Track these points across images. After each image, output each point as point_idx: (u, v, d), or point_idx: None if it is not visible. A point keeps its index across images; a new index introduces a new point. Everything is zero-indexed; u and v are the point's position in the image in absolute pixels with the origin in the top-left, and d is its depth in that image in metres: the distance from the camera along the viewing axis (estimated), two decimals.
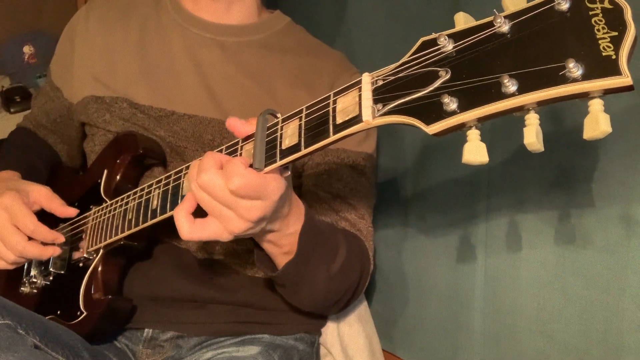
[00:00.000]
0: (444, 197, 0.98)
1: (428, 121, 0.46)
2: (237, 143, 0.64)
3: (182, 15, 0.94)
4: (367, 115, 0.51)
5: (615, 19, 0.40)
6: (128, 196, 0.80)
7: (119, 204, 0.81)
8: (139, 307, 0.86)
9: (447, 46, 0.47)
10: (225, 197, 0.59)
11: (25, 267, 0.92)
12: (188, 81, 0.90)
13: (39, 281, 0.90)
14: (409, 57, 0.50)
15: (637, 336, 0.73)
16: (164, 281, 0.87)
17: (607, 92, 0.40)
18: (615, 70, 0.39)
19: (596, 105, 0.41)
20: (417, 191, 1.03)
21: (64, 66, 0.98)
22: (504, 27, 0.44)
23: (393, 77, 0.50)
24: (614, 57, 0.39)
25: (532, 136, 0.43)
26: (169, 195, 0.71)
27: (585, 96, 0.41)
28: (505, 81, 0.42)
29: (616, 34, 0.39)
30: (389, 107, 0.49)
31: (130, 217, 0.77)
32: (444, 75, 0.46)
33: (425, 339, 1.03)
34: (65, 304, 0.85)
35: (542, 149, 0.44)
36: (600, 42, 0.40)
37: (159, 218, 0.73)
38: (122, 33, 0.94)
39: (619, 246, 0.74)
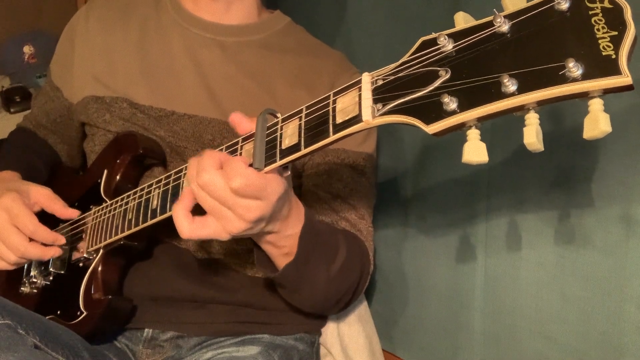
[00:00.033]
0: (444, 197, 0.98)
1: (428, 121, 0.46)
2: (236, 143, 0.64)
3: (182, 15, 0.94)
4: (366, 115, 0.51)
5: (615, 19, 0.40)
6: (128, 196, 0.80)
7: (118, 203, 0.81)
8: (139, 307, 0.86)
9: (447, 46, 0.47)
10: (224, 197, 0.59)
11: (25, 267, 0.92)
12: (188, 81, 0.90)
13: (39, 281, 0.90)
14: (409, 56, 0.50)
15: (636, 337, 0.73)
16: (164, 281, 0.87)
17: (607, 92, 0.40)
18: (615, 70, 0.39)
19: (596, 105, 0.41)
20: (417, 191, 1.03)
21: (64, 66, 0.98)
22: (504, 26, 0.44)
23: (393, 77, 0.50)
24: (613, 56, 0.39)
25: (532, 136, 0.43)
26: (169, 195, 0.71)
27: (585, 96, 0.41)
28: (505, 81, 0.42)
29: (616, 33, 0.39)
30: (388, 106, 0.49)
31: (130, 217, 0.77)
32: (444, 75, 0.46)
33: (425, 339, 1.03)
34: (65, 304, 0.85)
35: (542, 149, 0.44)
36: (600, 41, 0.40)
37: (159, 218, 0.73)
38: (122, 33, 0.94)
39: (618, 246, 0.73)
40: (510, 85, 0.42)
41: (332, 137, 0.54)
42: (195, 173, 0.61)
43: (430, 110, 0.46)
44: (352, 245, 0.82)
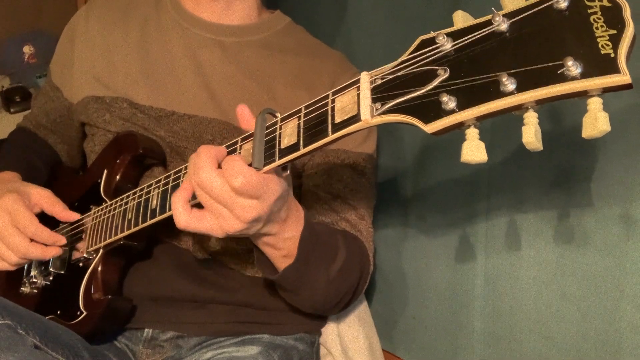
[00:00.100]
0: (444, 197, 0.98)
1: (427, 120, 0.46)
2: (236, 142, 0.64)
3: (183, 15, 0.94)
4: (365, 114, 0.51)
5: (614, 17, 0.39)
6: (128, 196, 0.80)
7: (118, 203, 0.81)
8: (139, 307, 0.86)
9: (446, 45, 0.47)
10: (222, 196, 0.59)
11: (26, 267, 0.92)
12: (188, 81, 0.90)
13: (39, 281, 0.90)
14: (408, 56, 0.50)
15: (635, 337, 0.73)
16: (164, 281, 0.87)
17: (605, 91, 0.40)
18: (613, 69, 0.39)
19: (595, 104, 0.41)
20: (417, 191, 1.03)
21: (64, 66, 0.98)
22: (503, 25, 0.44)
23: (391, 76, 0.50)
24: (612, 55, 0.39)
25: (531, 135, 0.43)
26: (169, 195, 0.71)
27: (584, 94, 0.41)
28: (504, 79, 0.42)
29: (615, 32, 0.39)
30: (387, 106, 0.49)
31: (129, 216, 0.77)
32: (443, 74, 0.46)
33: (425, 339, 1.03)
34: (65, 304, 0.85)
35: (541, 148, 0.44)
36: (598, 40, 0.40)
37: (158, 218, 0.73)
38: (122, 33, 0.94)
39: (618, 246, 0.73)
40: (509, 84, 0.42)
41: (331, 137, 0.54)
42: (192, 171, 0.61)
43: (429, 109, 0.46)
44: (351, 246, 0.82)
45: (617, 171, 0.72)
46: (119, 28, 0.95)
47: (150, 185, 0.76)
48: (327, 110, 0.55)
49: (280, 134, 0.59)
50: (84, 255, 0.84)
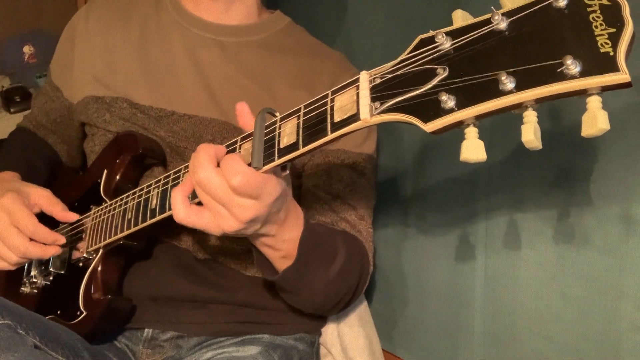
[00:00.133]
0: (443, 196, 0.98)
1: (426, 119, 0.46)
2: (235, 142, 0.64)
3: (183, 15, 0.94)
4: (364, 113, 0.51)
5: (613, 16, 0.39)
6: (127, 196, 0.80)
7: (118, 203, 0.81)
8: (139, 307, 0.86)
9: (445, 44, 0.47)
10: (220, 195, 0.59)
11: (26, 267, 0.92)
12: (188, 81, 0.90)
13: (39, 281, 0.90)
14: (407, 55, 0.50)
15: (635, 337, 0.73)
16: (164, 281, 0.87)
17: (605, 89, 0.40)
18: (613, 67, 0.39)
19: (594, 103, 0.41)
20: (416, 191, 1.03)
21: (64, 66, 0.98)
22: (502, 24, 0.44)
23: (391, 75, 0.50)
24: (611, 53, 0.39)
25: (530, 134, 0.43)
26: (168, 194, 0.71)
27: (584, 93, 0.41)
28: (503, 78, 0.42)
29: (614, 30, 0.39)
30: (386, 105, 0.49)
31: (129, 216, 0.77)
32: (442, 73, 0.46)
33: (425, 339, 1.03)
34: (65, 304, 0.85)
35: (541, 147, 0.44)
36: (598, 38, 0.40)
37: (158, 217, 0.73)
38: (123, 33, 0.94)
39: (618, 246, 0.73)
40: (508, 82, 0.42)
41: (330, 136, 0.54)
42: (191, 168, 0.61)
43: (428, 108, 0.46)
44: (351, 247, 0.82)
45: (617, 171, 0.72)
46: (119, 28, 0.95)
47: (150, 185, 0.76)
48: (326, 109, 0.55)
49: (279, 133, 0.59)
50: (84, 255, 0.84)
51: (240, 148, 0.63)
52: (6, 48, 1.64)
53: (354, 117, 0.51)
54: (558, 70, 0.40)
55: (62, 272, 0.88)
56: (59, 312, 0.85)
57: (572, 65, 0.40)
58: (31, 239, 0.83)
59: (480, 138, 0.46)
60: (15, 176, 0.94)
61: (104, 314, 0.80)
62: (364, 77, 0.52)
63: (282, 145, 0.58)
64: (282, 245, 0.70)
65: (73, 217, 0.87)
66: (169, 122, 0.88)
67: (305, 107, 0.58)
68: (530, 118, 0.43)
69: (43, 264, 0.90)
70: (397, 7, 1.04)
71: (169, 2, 0.95)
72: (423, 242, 1.02)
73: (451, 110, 0.45)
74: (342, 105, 0.53)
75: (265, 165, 0.58)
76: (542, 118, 0.44)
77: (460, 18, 0.47)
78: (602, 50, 0.39)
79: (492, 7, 0.45)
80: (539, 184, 0.82)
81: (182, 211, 0.62)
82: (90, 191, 0.90)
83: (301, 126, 0.57)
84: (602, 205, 0.74)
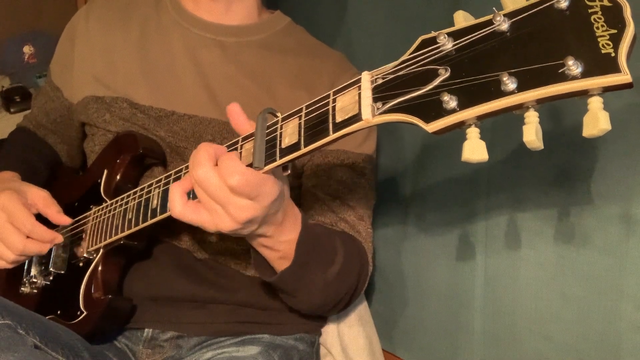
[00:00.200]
0: (443, 196, 0.98)
1: (428, 119, 0.46)
2: (236, 142, 0.64)
3: (183, 15, 0.94)
4: (366, 113, 0.51)
5: (614, 17, 0.40)
6: (128, 196, 0.80)
7: (119, 203, 0.81)
8: (139, 307, 0.86)
9: (447, 44, 0.47)
10: (217, 194, 0.59)
11: (26, 266, 0.92)
12: (188, 81, 0.90)
13: (39, 281, 0.90)
14: (409, 55, 0.50)
15: (635, 337, 0.73)
16: (164, 281, 0.87)
17: (606, 90, 0.40)
18: (614, 68, 0.39)
19: (595, 103, 0.41)
20: (416, 191, 1.03)
21: (64, 66, 0.98)
22: (504, 25, 0.44)
23: (393, 76, 0.50)
24: (613, 54, 0.39)
25: (532, 134, 0.43)
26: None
27: (585, 94, 0.41)
28: (505, 79, 0.42)
29: (615, 31, 0.39)
30: (388, 105, 0.49)
31: (130, 216, 0.77)
32: (444, 74, 0.46)
33: (425, 339, 1.03)
34: (65, 304, 0.85)
35: (542, 147, 0.44)
36: (599, 39, 0.40)
37: (159, 217, 0.73)
38: (123, 33, 0.94)
39: (618, 246, 0.73)
40: (510, 83, 0.42)
41: (332, 136, 0.54)
42: (191, 166, 0.61)
43: (430, 108, 0.46)
44: (349, 248, 0.82)
45: (617, 171, 0.73)
46: (119, 28, 0.95)
47: (151, 184, 0.76)
48: (328, 109, 0.55)
49: (281, 133, 0.59)
50: (84, 255, 0.84)
51: (241, 148, 0.63)
52: (6, 48, 1.64)
53: (356, 118, 0.51)
54: (560, 71, 0.40)
55: (62, 272, 0.88)
56: (59, 312, 0.85)
57: (573, 66, 0.40)
58: (29, 238, 0.83)
59: (481, 138, 0.46)
60: (15, 176, 0.94)
61: (104, 314, 0.80)
62: (366, 78, 0.52)
63: (283, 146, 0.58)
64: (280, 246, 0.70)
65: (66, 220, 0.87)
66: (169, 122, 0.88)
67: (307, 107, 0.58)
68: (532, 119, 0.43)
69: (43, 263, 0.90)
70: (397, 7, 1.04)
71: (169, 2, 0.95)
72: (423, 242, 1.02)
73: (453, 111, 0.45)
74: (343, 106, 0.53)
75: (266, 165, 0.58)
76: (542, 118, 0.44)
77: (462, 19, 0.47)
78: (603, 51, 0.39)
79: (493, 8, 0.45)
80: (539, 184, 0.82)
81: (179, 207, 0.63)
82: (90, 191, 0.90)
83: (303, 126, 0.57)
84: (602, 205, 0.75)
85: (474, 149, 0.46)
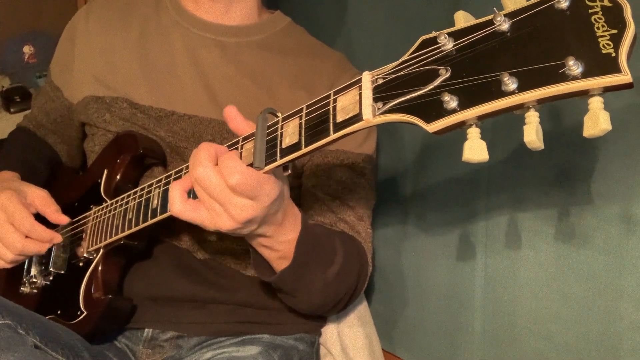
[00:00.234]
0: (443, 196, 0.98)
1: (428, 119, 0.47)
2: (237, 142, 0.64)
3: (183, 15, 0.94)
4: (367, 113, 0.51)
5: (614, 17, 0.40)
6: (128, 196, 0.80)
7: (119, 203, 0.81)
8: (139, 307, 0.86)
9: (447, 45, 0.47)
10: (217, 193, 0.59)
11: (26, 266, 0.92)
12: (188, 81, 0.90)
13: (39, 281, 0.90)
14: (409, 55, 0.50)
15: (635, 337, 0.73)
16: (164, 281, 0.87)
17: (606, 90, 0.40)
18: (615, 68, 0.39)
19: (596, 103, 0.41)
20: (417, 191, 1.03)
21: (64, 66, 0.98)
22: (504, 25, 0.44)
23: (393, 76, 0.50)
24: (613, 54, 0.39)
25: (532, 134, 0.43)
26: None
27: (585, 94, 0.41)
28: (505, 79, 0.42)
29: (616, 32, 0.39)
30: (389, 105, 0.49)
31: (130, 216, 0.77)
32: (444, 74, 0.46)
33: (425, 339, 1.03)
34: (65, 304, 0.85)
35: (542, 147, 0.44)
36: (599, 40, 0.40)
37: (159, 217, 0.73)
38: (123, 33, 0.94)
39: (618, 246, 0.74)
40: (511, 83, 0.42)
41: (332, 136, 0.54)
42: (191, 165, 0.61)
43: (431, 108, 0.46)
44: (349, 249, 0.82)
45: (617, 171, 0.73)
46: (119, 28, 0.95)
47: (151, 184, 0.76)
48: (328, 109, 0.55)
49: (281, 133, 0.59)
50: (85, 254, 0.84)
51: (242, 148, 0.63)
52: (6, 48, 1.64)
53: (357, 118, 0.51)
54: (560, 71, 0.41)
55: (62, 272, 0.88)
56: (59, 312, 0.85)
57: (574, 66, 0.40)
58: (28, 237, 0.83)
59: (481, 138, 0.46)
60: (15, 176, 0.94)
61: (104, 314, 0.80)
62: (367, 78, 0.52)
63: (284, 145, 0.58)
64: (280, 246, 0.70)
65: (64, 219, 0.87)
66: (169, 122, 0.88)
67: (308, 107, 0.58)
68: (532, 119, 0.43)
69: (43, 263, 0.90)
70: (397, 7, 1.04)
71: (169, 2, 0.95)
72: (423, 242, 1.02)
73: (454, 111, 0.45)
74: (344, 106, 0.53)
75: (267, 165, 0.59)
76: (543, 118, 0.44)
77: (463, 19, 0.47)
78: (604, 52, 0.39)
79: (494, 9, 0.45)
80: (539, 184, 0.82)
81: (179, 205, 0.63)
82: (90, 191, 0.90)
83: (303, 126, 0.57)
84: (602, 205, 0.75)
85: (475, 149, 0.46)
